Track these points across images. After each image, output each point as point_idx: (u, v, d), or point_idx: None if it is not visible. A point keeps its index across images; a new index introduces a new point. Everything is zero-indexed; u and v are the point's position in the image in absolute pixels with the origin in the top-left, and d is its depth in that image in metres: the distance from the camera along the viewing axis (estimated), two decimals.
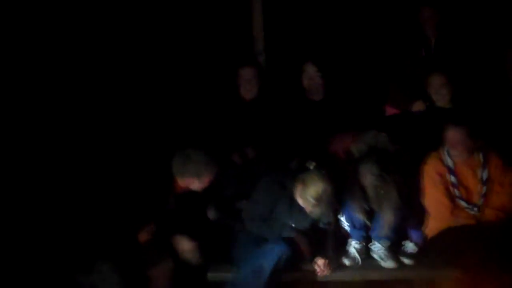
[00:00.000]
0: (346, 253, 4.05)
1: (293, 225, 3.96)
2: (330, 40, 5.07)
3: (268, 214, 3.98)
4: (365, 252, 4.04)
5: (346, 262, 4.00)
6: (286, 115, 4.47)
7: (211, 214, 4.16)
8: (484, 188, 3.92)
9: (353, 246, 4.02)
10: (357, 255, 4.00)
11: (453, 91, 4.33)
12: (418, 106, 4.41)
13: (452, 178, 3.94)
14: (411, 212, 4.03)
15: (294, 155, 4.19)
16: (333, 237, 4.06)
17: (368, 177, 3.89)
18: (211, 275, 3.96)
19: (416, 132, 4.30)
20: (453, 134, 3.90)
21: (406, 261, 4.00)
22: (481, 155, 3.94)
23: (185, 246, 3.83)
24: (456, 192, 3.94)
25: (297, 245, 3.92)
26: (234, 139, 4.40)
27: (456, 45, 4.55)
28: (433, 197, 3.97)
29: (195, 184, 3.90)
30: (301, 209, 3.92)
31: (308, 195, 3.80)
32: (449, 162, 3.96)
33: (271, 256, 3.80)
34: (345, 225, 4.06)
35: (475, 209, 3.90)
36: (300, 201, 3.90)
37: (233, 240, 4.03)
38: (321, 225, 3.98)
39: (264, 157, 4.28)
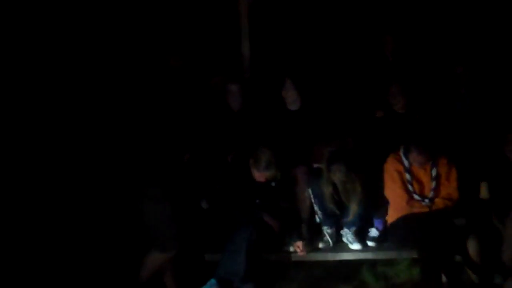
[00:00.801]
0: (320, 237, 4.52)
1: (259, 204, 4.34)
2: (307, 59, 5.42)
3: (236, 198, 4.34)
4: (336, 236, 4.48)
5: (320, 245, 4.46)
6: (267, 123, 4.79)
7: (204, 204, 4.59)
8: (434, 183, 4.30)
9: (326, 231, 4.48)
10: (329, 238, 4.47)
11: (407, 99, 4.75)
12: (379, 113, 4.83)
13: (408, 176, 4.32)
14: (374, 203, 4.45)
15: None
16: (308, 223, 4.52)
17: (337, 174, 4.33)
18: (208, 256, 4.35)
19: (378, 135, 4.71)
20: (416, 156, 4.28)
21: (370, 244, 4.44)
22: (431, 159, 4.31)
23: None
24: (410, 187, 4.31)
25: (267, 225, 4.30)
26: (226, 142, 4.71)
27: (411, 63, 5.02)
28: (392, 190, 4.35)
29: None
30: (261, 186, 4.34)
31: (260, 166, 4.27)
32: (406, 163, 4.34)
33: (243, 236, 4.13)
34: (319, 213, 4.50)
35: (427, 200, 4.29)
36: (256, 175, 4.32)
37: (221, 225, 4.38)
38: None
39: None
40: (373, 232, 4.54)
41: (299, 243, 4.36)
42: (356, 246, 4.45)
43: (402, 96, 4.77)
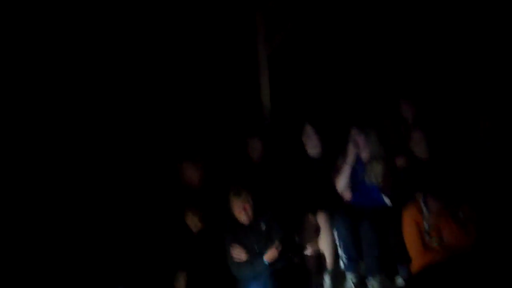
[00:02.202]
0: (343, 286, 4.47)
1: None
2: (327, 105, 5.51)
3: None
4: (360, 285, 4.45)
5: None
6: (287, 172, 4.82)
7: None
8: (455, 232, 4.21)
9: (351, 280, 4.44)
10: (353, 287, 4.44)
11: (430, 146, 4.69)
12: (400, 161, 4.73)
13: (426, 225, 4.24)
14: (398, 251, 4.37)
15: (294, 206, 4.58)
16: (332, 273, 4.48)
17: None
18: None
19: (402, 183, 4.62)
20: (433, 204, 4.24)
21: None
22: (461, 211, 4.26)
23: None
24: (427, 237, 4.23)
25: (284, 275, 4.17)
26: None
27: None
28: (410, 240, 4.28)
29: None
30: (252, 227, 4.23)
31: (231, 196, 4.22)
32: (425, 211, 4.27)
33: None
34: (344, 258, 4.46)
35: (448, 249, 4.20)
36: (235, 211, 4.22)
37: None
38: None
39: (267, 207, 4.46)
40: (399, 280, 4.50)
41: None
42: None
43: (426, 141, 4.72)
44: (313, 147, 4.90)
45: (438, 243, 4.26)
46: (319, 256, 4.56)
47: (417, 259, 4.31)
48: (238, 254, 4.22)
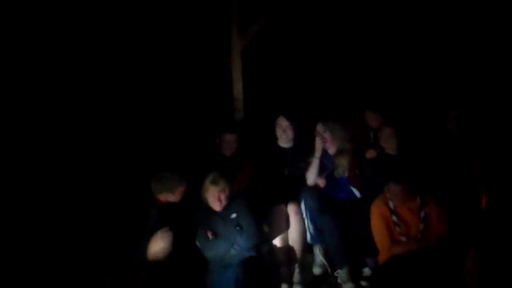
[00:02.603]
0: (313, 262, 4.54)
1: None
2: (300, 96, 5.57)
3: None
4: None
5: (316, 270, 4.50)
6: (259, 164, 4.87)
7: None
8: (422, 225, 4.30)
9: (319, 252, 4.53)
10: (324, 259, 4.53)
11: (399, 140, 4.77)
12: (370, 154, 4.84)
13: (394, 218, 4.31)
14: (366, 242, 4.43)
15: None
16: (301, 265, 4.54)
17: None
18: None
19: (369, 175, 4.71)
20: (394, 189, 4.31)
21: (364, 283, 4.47)
22: (418, 198, 4.34)
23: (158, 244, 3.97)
24: (398, 229, 4.30)
25: (254, 264, 4.15)
26: None
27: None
28: (377, 233, 4.35)
29: (171, 197, 4.24)
30: (224, 218, 4.25)
31: (207, 184, 4.24)
32: (391, 204, 4.34)
33: (233, 281, 4.00)
34: (310, 228, 4.54)
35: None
36: (209, 199, 4.24)
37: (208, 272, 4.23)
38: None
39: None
40: (366, 272, 4.57)
41: None
42: (349, 285, 4.45)
43: (395, 137, 4.79)
44: (285, 140, 4.96)
45: (406, 235, 4.31)
46: (288, 248, 4.59)
47: (384, 251, 4.36)
48: (209, 235, 4.26)
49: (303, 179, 4.84)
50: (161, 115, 5.35)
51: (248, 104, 5.46)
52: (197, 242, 4.28)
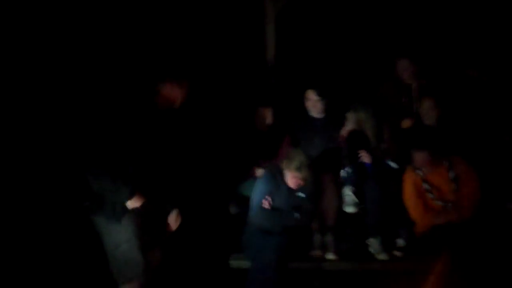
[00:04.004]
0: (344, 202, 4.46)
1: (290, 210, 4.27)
2: (329, 70, 5.45)
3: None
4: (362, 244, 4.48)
5: (349, 209, 4.43)
6: (292, 131, 4.86)
7: (232, 209, 4.63)
8: (454, 185, 4.29)
9: (350, 190, 4.45)
10: (353, 196, 4.43)
11: (440, 113, 4.71)
12: (406, 124, 4.79)
13: (426, 185, 4.33)
14: (400, 213, 4.44)
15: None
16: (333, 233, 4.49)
17: None
18: (233, 262, 4.33)
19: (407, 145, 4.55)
20: (417, 157, 4.32)
21: (398, 253, 4.43)
22: (446, 161, 4.34)
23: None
24: (431, 195, 4.32)
25: (294, 233, 4.25)
26: (253, 155, 4.76)
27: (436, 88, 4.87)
28: (410, 202, 4.37)
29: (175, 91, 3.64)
30: (291, 192, 4.32)
31: (292, 166, 4.25)
32: (420, 173, 4.36)
33: (274, 249, 4.06)
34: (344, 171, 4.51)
35: (450, 205, 4.29)
36: (287, 176, 4.30)
37: (246, 233, 4.37)
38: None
39: None
40: (400, 242, 4.52)
41: None
42: (382, 256, 4.41)
43: (435, 110, 4.73)
44: (315, 112, 4.90)
45: (441, 200, 4.30)
46: (323, 215, 4.54)
47: (419, 220, 4.36)
48: (266, 204, 4.32)
49: (335, 148, 4.77)
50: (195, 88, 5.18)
51: (281, 73, 5.38)
52: (252, 203, 4.30)
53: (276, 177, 4.38)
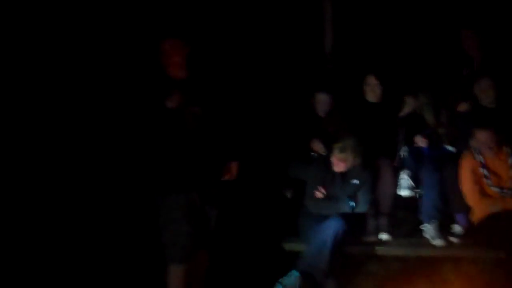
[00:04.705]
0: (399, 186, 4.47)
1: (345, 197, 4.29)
2: (388, 55, 5.38)
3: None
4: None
5: (404, 192, 4.44)
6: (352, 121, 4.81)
7: (288, 193, 4.68)
8: None
9: (407, 174, 4.47)
10: (410, 181, 4.45)
11: (497, 93, 4.56)
12: (462, 107, 4.66)
13: (483, 171, 4.24)
14: (456, 198, 4.36)
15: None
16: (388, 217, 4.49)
17: None
18: (288, 245, 4.37)
19: (464, 128, 4.51)
20: (480, 136, 4.24)
21: (454, 240, 4.35)
22: (506, 147, 4.27)
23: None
24: (489, 182, 4.23)
25: (351, 217, 4.24)
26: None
27: (499, 63, 4.73)
28: (467, 188, 4.30)
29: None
30: (345, 180, 4.33)
31: (336, 149, 4.27)
32: (479, 158, 4.28)
33: (330, 231, 4.06)
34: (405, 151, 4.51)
35: (505, 191, 4.20)
36: (333, 162, 4.32)
37: (301, 216, 4.41)
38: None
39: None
40: (456, 228, 4.46)
41: None
42: (438, 242, 4.36)
43: (493, 90, 4.58)
44: (373, 97, 4.87)
45: (498, 186, 4.23)
46: (378, 200, 4.53)
47: (475, 207, 4.28)
48: (319, 194, 4.37)
49: (392, 133, 4.75)
50: (253, 75, 5.28)
51: (339, 58, 5.39)
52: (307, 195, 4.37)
53: (329, 165, 4.41)
